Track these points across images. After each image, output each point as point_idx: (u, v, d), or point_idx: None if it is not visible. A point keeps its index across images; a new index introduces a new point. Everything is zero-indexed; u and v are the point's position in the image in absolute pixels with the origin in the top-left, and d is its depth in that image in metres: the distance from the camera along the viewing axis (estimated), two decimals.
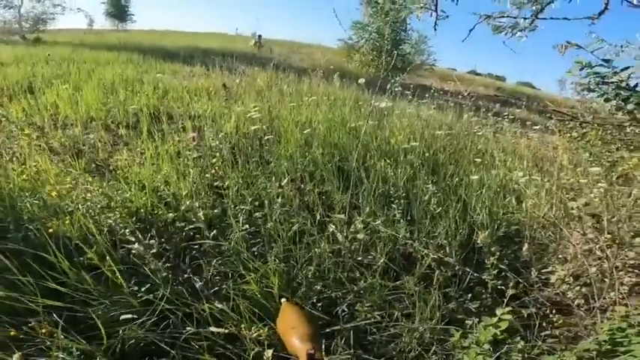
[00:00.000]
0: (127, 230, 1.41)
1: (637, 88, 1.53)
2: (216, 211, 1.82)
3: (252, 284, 1.32)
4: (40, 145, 2.31)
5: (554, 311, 1.47)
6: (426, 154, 2.63)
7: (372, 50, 12.62)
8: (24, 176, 1.79)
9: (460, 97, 5.24)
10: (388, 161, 2.36)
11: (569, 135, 4.19)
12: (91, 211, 1.54)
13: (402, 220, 1.79)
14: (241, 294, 1.29)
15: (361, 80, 3.18)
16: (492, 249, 1.68)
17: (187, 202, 1.71)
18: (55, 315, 1.11)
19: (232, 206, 1.81)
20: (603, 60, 1.54)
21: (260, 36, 15.04)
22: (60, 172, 1.95)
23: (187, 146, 2.15)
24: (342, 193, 2.03)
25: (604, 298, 1.46)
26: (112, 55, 6.71)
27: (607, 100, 1.55)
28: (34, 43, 11.09)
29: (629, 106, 1.48)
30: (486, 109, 4.89)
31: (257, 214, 1.77)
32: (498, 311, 1.11)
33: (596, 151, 3.55)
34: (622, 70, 1.53)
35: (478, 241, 1.66)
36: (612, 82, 1.54)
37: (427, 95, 4.92)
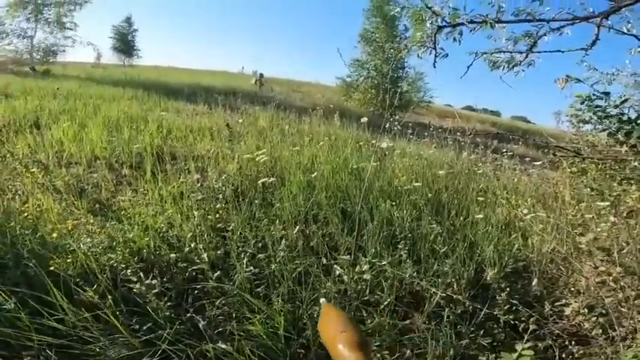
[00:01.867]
0: (129, 270, 1.44)
1: (638, 121, 1.59)
2: (219, 252, 1.85)
3: (257, 325, 1.32)
4: (43, 184, 2.37)
5: (572, 342, 1.46)
6: (429, 195, 2.70)
7: (371, 88, 13.21)
8: (26, 214, 1.84)
9: (458, 134, 5.44)
10: (392, 202, 2.42)
11: (569, 170, 4.31)
12: (92, 250, 1.57)
13: (408, 260, 1.82)
14: (246, 335, 1.29)
15: (364, 119, 3.34)
16: (502, 285, 1.71)
17: (192, 245, 1.75)
18: (51, 352, 1.11)
19: (236, 248, 1.84)
20: (602, 93, 1.63)
21: (262, 75, 15.78)
22: (62, 212, 2.00)
23: (191, 188, 2.21)
24: (346, 235, 2.07)
25: (622, 327, 1.47)
26: (118, 91, 7.02)
27: (610, 135, 1.63)
28: (43, 75, 11.55)
29: (632, 140, 1.55)
30: (484, 145, 5.06)
31: (261, 255, 1.79)
32: (518, 346, 1.10)
33: (596, 186, 3.64)
34: (622, 102, 1.61)
35: (487, 278, 1.69)
36: (614, 116, 1.61)
37: (426, 134, 5.11)
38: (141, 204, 2.15)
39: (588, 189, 3.53)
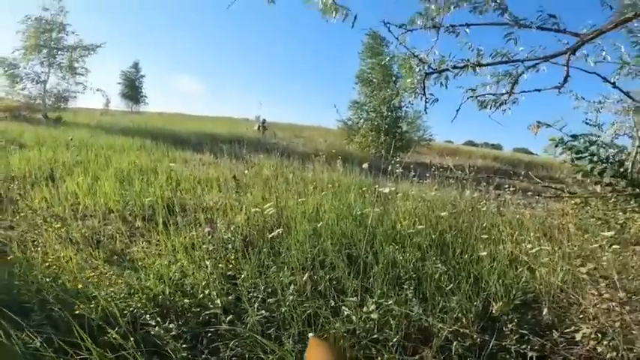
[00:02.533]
0: (148, 315, 1.55)
1: (610, 160, 1.71)
2: (230, 297, 1.96)
3: None
4: (61, 235, 2.54)
5: None
6: (433, 236, 2.82)
7: (371, 130, 13.62)
8: (47, 264, 1.99)
9: (460, 172, 5.62)
10: (396, 246, 2.54)
11: (572, 202, 4.41)
12: (112, 296, 1.70)
13: (414, 299, 1.91)
14: None
15: (365, 165, 3.55)
16: (510, 316, 1.77)
17: (205, 291, 1.86)
18: None
19: (246, 293, 1.95)
20: (572, 136, 1.73)
21: (264, 120, 16.49)
22: (81, 261, 2.14)
23: (202, 239, 2.36)
24: (352, 278, 2.18)
25: (632, 351, 1.52)
26: (127, 141, 7.43)
27: (585, 175, 1.75)
28: (55, 123, 12.11)
29: (606, 179, 1.67)
30: (487, 182, 5.22)
31: (270, 300, 1.89)
32: None
33: (601, 215, 3.73)
34: (591, 143, 1.72)
35: (494, 311, 1.76)
36: (585, 157, 1.71)
37: (428, 174, 5.29)
38: (154, 254, 2.29)
39: (593, 219, 3.62)
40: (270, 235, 2.37)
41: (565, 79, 2.25)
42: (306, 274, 2.13)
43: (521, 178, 5.81)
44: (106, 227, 2.87)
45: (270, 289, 2.05)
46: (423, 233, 2.82)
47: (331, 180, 4.32)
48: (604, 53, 2.26)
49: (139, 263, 2.19)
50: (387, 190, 3.27)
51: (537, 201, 4.93)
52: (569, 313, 2.05)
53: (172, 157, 6.26)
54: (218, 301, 1.72)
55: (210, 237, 2.28)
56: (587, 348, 1.73)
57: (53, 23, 16.12)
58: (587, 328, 1.77)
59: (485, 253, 2.38)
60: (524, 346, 1.65)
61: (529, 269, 2.45)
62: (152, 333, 1.48)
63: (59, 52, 16.66)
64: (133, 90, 32.65)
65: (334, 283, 2.25)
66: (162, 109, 29.87)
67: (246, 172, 4.23)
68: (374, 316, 1.73)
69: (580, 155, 1.63)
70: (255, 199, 3.44)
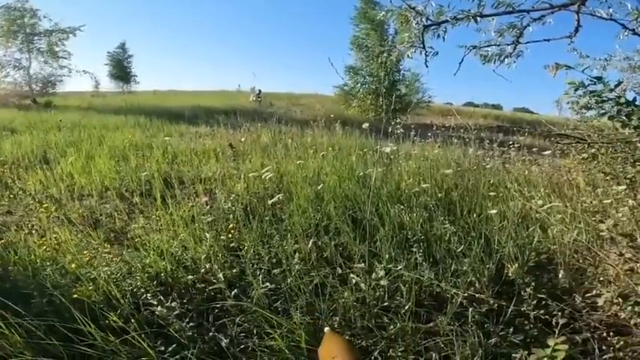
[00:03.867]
0: (149, 294, 1.47)
1: (637, 102, 1.57)
2: (234, 270, 1.87)
3: (278, 340, 1.34)
4: (58, 217, 2.44)
5: (611, 333, 1.44)
6: (439, 195, 2.71)
7: (369, 94, 13.27)
8: (44, 247, 1.90)
9: (462, 130, 5.44)
10: (401, 206, 2.43)
11: (580, 157, 4.27)
12: (113, 277, 1.62)
13: (424, 263, 1.82)
14: (268, 350, 1.31)
15: (365, 125, 3.38)
16: (526, 280, 1.68)
17: (207, 265, 1.78)
18: None
19: (250, 265, 1.86)
20: (595, 77, 1.60)
21: (260, 91, 16.03)
22: (79, 243, 2.05)
23: (201, 211, 2.25)
24: (359, 242, 2.09)
25: None
26: (120, 120, 7.19)
27: (611, 118, 1.60)
28: (46, 108, 11.84)
29: (634, 122, 1.52)
30: (490, 140, 5.05)
31: (276, 270, 1.82)
32: (550, 341, 1.04)
33: (610, 170, 3.60)
34: (616, 85, 1.58)
35: (509, 274, 1.68)
36: (611, 100, 1.57)
37: (430, 134, 5.12)
38: (154, 230, 2.19)
39: (601, 174, 3.49)
40: (270, 202, 2.25)
41: (576, 30, 2.11)
42: (311, 241, 2.04)
43: (525, 135, 5.60)
44: (104, 206, 2.77)
45: (274, 260, 1.97)
46: (429, 192, 2.70)
47: (331, 143, 4.16)
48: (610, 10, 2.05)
49: (138, 240, 2.10)
50: (388, 150, 3.13)
51: (543, 157, 4.79)
52: (586, 275, 1.96)
53: (168, 132, 6.06)
54: (221, 276, 1.63)
55: (208, 207, 2.17)
56: (609, 313, 1.62)
57: (23, 10, 15.71)
58: (608, 291, 1.68)
59: (494, 211, 2.27)
60: (542, 311, 1.56)
61: (541, 228, 2.35)
62: (156, 313, 1.40)
63: (36, 38, 16.35)
64: (121, 70, 31.28)
65: (340, 249, 2.17)
66: (155, 88, 29.02)
67: (242, 139, 4.06)
68: (383, 282, 1.65)
69: (604, 98, 1.46)
70: (254, 167, 3.31)
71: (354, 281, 1.66)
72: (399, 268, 1.72)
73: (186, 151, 4.10)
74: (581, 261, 2.06)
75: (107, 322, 1.37)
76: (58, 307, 1.44)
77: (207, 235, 1.96)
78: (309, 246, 2.01)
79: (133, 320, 1.33)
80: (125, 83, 31.42)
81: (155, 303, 1.39)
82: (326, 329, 0.96)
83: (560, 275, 1.88)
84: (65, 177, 3.33)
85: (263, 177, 2.48)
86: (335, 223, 2.33)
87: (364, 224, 2.23)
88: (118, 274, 1.66)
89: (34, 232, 2.20)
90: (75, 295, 1.46)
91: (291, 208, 2.46)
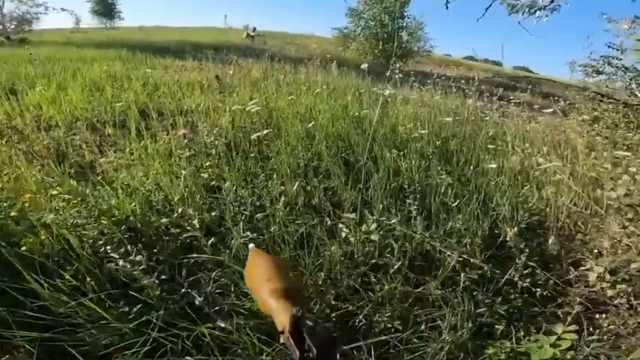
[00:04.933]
0: (111, 246, 1.24)
1: None
2: (213, 214, 1.66)
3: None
4: (21, 149, 2.14)
5: (600, 314, 1.32)
6: (437, 143, 2.46)
7: (370, 38, 12.34)
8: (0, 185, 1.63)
9: (462, 81, 5.06)
10: (398, 152, 2.19)
11: (580, 118, 4.03)
12: (72, 221, 1.38)
13: (418, 217, 1.63)
14: (247, 312, 1.13)
15: (364, 65, 2.99)
16: (521, 246, 1.53)
17: (181, 209, 1.54)
18: (31, 347, 0.96)
19: (231, 209, 1.65)
20: None
21: (255, 28, 14.71)
22: (42, 179, 1.78)
23: (179, 144, 1.95)
24: (350, 188, 1.87)
25: None
26: (100, 53, 6.44)
27: None
28: (20, 44, 10.75)
29: None
30: (490, 93, 4.72)
31: (258, 215, 1.61)
32: (558, 328, 0.92)
33: (607, 134, 3.40)
34: None
35: (507, 238, 1.52)
36: None
37: (429, 81, 4.75)
38: (126, 165, 1.92)
39: (599, 137, 3.30)
40: (255, 136, 1.97)
41: None
42: (297, 184, 1.81)
43: (527, 92, 5.25)
44: (73, 137, 2.44)
45: (257, 203, 1.75)
46: (427, 139, 2.45)
47: (326, 82, 3.77)
48: None
49: (108, 176, 1.83)
50: (387, 92, 2.81)
51: (542, 114, 4.52)
52: (574, 243, 1.81)
53: (151, 65, 5.45)
54: (196, 222, 1.39)
55: (187, 141, 1.87)
56: (595, 289, 1.50)
57: None
58: (598, 266, 1.53)
59: (494, 166, 2.05)
60: (528, 280, 1.43)
61: (536, 187, 2.16)
62: (118, 268, 1.18)
63: None
64: (105, 7, 27.85)
65: (330, 193, 1.95)
66: (141, 24, 26.30)
67: (230, 72, 3.62)
68: (374, 237, 1.46)
69: None
70: (242, 100, 2.96)
71: (343, 234, 1.47)
72: (393, 222, 1.52)
73: (169, 83, 3.66)
74: (572, 228, 1.91)
75: (64, 280, 1.15)
76: (6, 262, 1.20)
77: (184, 173, 1.70)
78: (296, 188, 1.79)
79: (89, 278, 1.11)
80: (108, 20, 28.41)
81: (117, 257, 1.16)
82: (250, 246, 0.74)
83: (550, 241, 1.73)
84: (33, 108, 2.92)
85: (250, 110, 2.16)
86: (326, 164, 2.09)
87: (357, 168, 2.01)
88: (79, 219, 1.41)
89: None
90: (24, 248, 1.21)
91: (279, 145, 2.19)
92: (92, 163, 2.10)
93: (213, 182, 1.92)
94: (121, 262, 1.13)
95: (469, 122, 3.27)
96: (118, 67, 4.58)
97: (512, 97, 4.49)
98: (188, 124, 2.28)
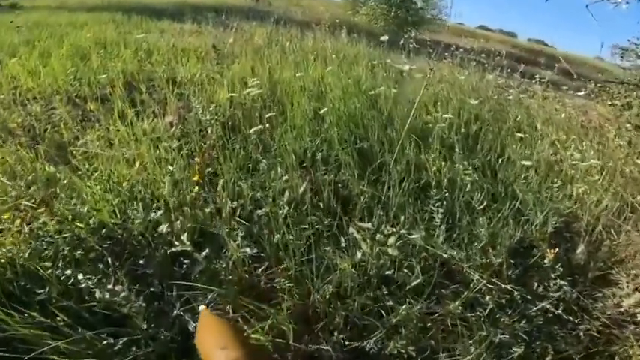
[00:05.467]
0: (82, 270, 0.99)
1: None
2: (208, 210, 1.42)
3: (260, 333, 0.95)
4: None
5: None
6: (462, 130, 2.17)
7: (381, 3, 11.46)
8: None
9: (483, 55, 4.64)
10: (418, 140, 1.91)
11: (609, 103, 3.67)
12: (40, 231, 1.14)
13: (442, 225, 1.38)
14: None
15: (384, 37, 2.62)
16: (556, 266, 1.30)
17: (166, 227, 1.26)
18: None
19: (228, 206, 1.41)
20: None
21: None
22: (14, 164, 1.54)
23: (166, 132, 1.66)
24: (365, 183, 1.61)
25: None
26: (93, 17, 5.89)
27: None
28: (11, 9, 9.99)
29: None
30: (510, 68, 4.33)
31: (259, 211, 1.37)
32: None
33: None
34: None
35: (546, 261, 1.29)
36: None
37: (447, 54, 4.36)
38: (108, 148, 1.67)
39: (629, 124, 2.99)
40: (252, 131, 1.69)
41: None
42: (304, 184, 1.55)
43: (554, 70, 4.83)
44: (54, 112, 2.16)
45: (258, 195, 1.50)
46: (448, 124, 2.14)
47: (335, 50, 3.40)
48: None
49: (87, 163, 1.58)
50: (407, 67, 2.48)
51: (570, 95, 4.15)
52: (603, 251, 1.57)
53: (146, 28, 4.99)
54: (184, 237, 1.14)
55: (173, 129, 1.58)
56: (623, 309, 1.31)
57: None
58: (628, 284, 1.35)
59: (530, 163, 1.77)
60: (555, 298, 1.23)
61: (562, 182, 1.88)
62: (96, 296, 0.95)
63: None
64: None
65: (340, 187, 1.70)
66: None
67: (230, 41, 3.24)
68: (392, 252, 1.23)
69: None
70: (243, 72, 2.64)
71: (357, 250, 1.23)
72: (414, 236, 1.28)
73: (163, 49, 3.28)
74: (604, 234, 1.66)
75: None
76: None
77: (173, 168, 1.44)
78: (304, 187, 1.53)
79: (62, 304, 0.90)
80: None
81: (91, 286, 0.93)
82: (201, 307, 0.73)
83: (578, 250, 1.51)
84: (11, 79, 2.60)
85: (249, 93, 1.86)
86: (336, 153, 1.82)
87: (372, 158, 1.76)
88: (48, 227, 1.16)
89: None
90: None
91: (282, 129, 1.91)
92: (71, 143, 1.83)
93: (209, 169, 1.67)
94: (97, 293, 0.91)
95: (491, 101, 2.94)
96: (110, 33, 4.15)
97: (536, 75, 4.10)
98: (177, 110, 1.96)
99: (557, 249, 1.30)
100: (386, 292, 1.18)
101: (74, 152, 1.68)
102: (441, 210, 1.41)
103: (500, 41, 14.64)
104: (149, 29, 4.88)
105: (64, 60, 2.69)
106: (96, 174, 1.43)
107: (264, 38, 3.94)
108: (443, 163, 1.77)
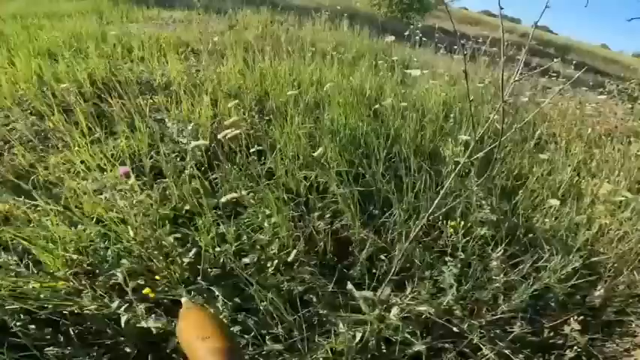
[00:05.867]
0: None
1: None
2: (186, 260, 1.18)
3: None
4: None
5: None
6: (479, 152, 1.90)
7: None
8: None
9: (495, 49, 4.30)
10: (429, 168, 1.65)
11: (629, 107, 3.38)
12: None
13: (454, 286, 1.16)
14: None
15: (389, 38, 2.33)
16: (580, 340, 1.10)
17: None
18: None
19: (206, 259, 1.18)
20: None
21: None
22: None
23: (123, 185, 1.34)
24: (365, 225, 1.38)
25: None
26: (76, 6, 5.39)
27: None
28: None
29: None
30: (524, 62, 4.00)
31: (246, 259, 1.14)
32: None
33: None
34: None
35: (570, 331, 1.09)
36: None
37: (455, 47, 4.03)
38: (71, 175, 1.42)
39: None
40: (224, 199, 1.41)
41: None
42: (293, 252, 1.28)
43: (572, 64, 4.49)
44: (15, 128, 1.87)
45: (244, 238, 1.27)
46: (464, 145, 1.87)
47: (335, 44, 3.10)
48: None
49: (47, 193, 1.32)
50: (417, 73, 2.21)
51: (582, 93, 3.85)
52: (619, 290, 1.37)
53: (134, 18, 4.59)
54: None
55: (128, 185, 1.28)
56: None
57: None
58: None
59: (557, 202, 1.51)
60: None
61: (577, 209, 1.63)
62: None
63: None
64: None
65: (339, 226, 1.46)
66: None
67: (215, 39, 2.90)
68: (394, 319, 1.02)
69: None
70: (231, 77, 2.34)
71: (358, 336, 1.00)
72: (422, 309, 1.06)
73: (146, 43, 2.94)
74: (626, 273, 1.44)
75: None
76: None
77: (137, 224, 1.18)
78: (298, 248, 1.28)
79: None
80: None
81: None
82: (183, 300, 0.63)
83: (596, 294, 1.35)
84: None
85: (231, 133, 1.54)
86: (332, 194, 1.55)
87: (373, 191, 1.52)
88: None
89: None
90: None
91: (273, 160, 1.64)
92: (32, 168, 1.57)
93: (187, 207, 1.43)
94: None
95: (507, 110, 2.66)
96: (90, 24, 3.75)
97: (553, 72, 3.80)
98: (128, 161, 1.59)
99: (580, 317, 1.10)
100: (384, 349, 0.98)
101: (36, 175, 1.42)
102: (457, 268, 1.19)
103: (508, 30, 13.97)
104: (136, 19, 4.49)
105: (30, 60, 2.35)
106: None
107: (258, 28, 3.61)
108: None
